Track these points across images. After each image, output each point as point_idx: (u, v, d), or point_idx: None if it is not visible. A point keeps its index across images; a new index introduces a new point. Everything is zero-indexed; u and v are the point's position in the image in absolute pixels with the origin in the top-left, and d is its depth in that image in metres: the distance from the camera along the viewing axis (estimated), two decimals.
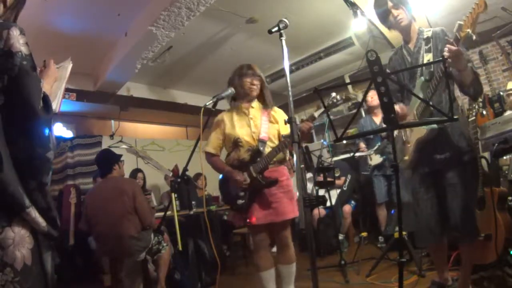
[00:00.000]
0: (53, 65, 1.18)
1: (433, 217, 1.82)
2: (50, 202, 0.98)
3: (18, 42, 0.95)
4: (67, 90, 1.22)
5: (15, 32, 0.95)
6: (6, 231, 0.89)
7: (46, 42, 3.40)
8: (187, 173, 2.14)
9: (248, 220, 1.96)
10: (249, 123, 2.10)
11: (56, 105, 1.18)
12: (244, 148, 2.04)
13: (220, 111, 2.21)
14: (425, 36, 1.84)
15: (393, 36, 3.54)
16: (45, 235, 0.97)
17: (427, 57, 1.84)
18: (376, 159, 3.78)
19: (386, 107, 1.33)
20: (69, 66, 1.31)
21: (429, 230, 1.84)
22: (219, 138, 2.15)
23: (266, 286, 2.02)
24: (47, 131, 0.96)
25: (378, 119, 3.83)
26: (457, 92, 1.96)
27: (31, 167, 0.94)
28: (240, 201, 1.98)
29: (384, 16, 1.89)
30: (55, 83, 1.18)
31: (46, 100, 0.99)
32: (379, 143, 3.77)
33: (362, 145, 4.02)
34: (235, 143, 2.06)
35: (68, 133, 4.83)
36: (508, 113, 2.83)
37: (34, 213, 0.93)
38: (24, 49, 0.96)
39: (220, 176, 2.19)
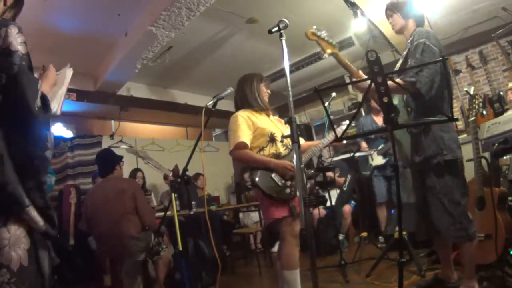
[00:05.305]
0: (52, 69, 1.18)
1: (420, 216, 1.95)
2: (48, 201, 0.98)
3: (16, 40, 0.95)
4: (67, 90, 1.23)
5: (13, 30, 0.95)
6: (1, 231, 0.89)
7: (46, 42, 3.41)
8: (187, 173, 2.14)
9: (294, 205, 1.89)
10: (275, 123, 2.15)
11: (58, 107, 1.17)
12: (281, 143, 2.05)
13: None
14: (409, 41, 1.92)
15: (394, 36, 3.53)
16: (43, 234, 0.97)
17: (398, 64, 1.97)
18: (378, 160, 3.78)
19: (386, 107, 1.33)
20: (69, 72, 1.31)
21: (418, 226, 2.00)
22: (250, 132, 2.03)
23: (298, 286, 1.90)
24: (44, 130, 0.96)
25: (379, 119, 3.81)
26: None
27: (30, 166, 0.93)
28: (288, 190, 1.94)
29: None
30: (55, 87, 1.18)
31: (44, 101, 0.98)
32: (382, 144, 3.76)
33: (364, 144, 4.01)
34: (272, 138, 2.04)
35: (68, 133, 4.82)
36: (508, 113, 2.83)
37: (33, 212, 0.93)
38: (21, 48, 0.95)
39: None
